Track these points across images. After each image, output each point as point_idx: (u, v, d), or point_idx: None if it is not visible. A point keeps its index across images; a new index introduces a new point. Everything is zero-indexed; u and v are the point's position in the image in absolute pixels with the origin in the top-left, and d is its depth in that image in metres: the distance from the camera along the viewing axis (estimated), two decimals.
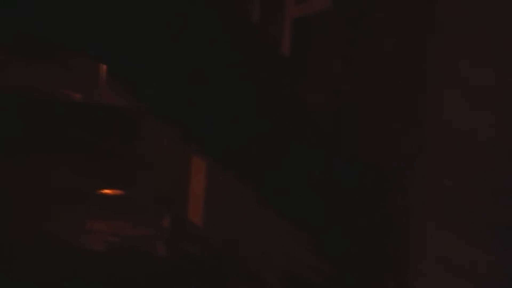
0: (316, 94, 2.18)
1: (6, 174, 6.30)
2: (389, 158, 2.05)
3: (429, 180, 1.89)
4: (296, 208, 1.79)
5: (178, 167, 5.62)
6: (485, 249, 1.67)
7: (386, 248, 1.90)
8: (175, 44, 1.62)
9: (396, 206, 1.90)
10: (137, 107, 7.60)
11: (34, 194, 6.19)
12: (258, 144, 1.71)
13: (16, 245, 4.66)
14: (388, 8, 2.14)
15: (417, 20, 1.96)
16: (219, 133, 1.70)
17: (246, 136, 1.70)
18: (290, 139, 1.73)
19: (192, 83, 1.66)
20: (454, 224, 1.76)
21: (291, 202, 1.76)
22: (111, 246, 5.17)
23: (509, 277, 1.55)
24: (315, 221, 1.84)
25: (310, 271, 2.59)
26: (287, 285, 2.95)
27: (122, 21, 1.56)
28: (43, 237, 5.05)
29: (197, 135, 1.81)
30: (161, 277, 4.38)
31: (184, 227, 5.39)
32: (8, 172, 6.35)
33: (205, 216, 4.80)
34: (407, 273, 1.89)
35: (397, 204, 1.91)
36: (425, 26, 1.93)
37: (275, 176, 1.72)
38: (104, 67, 8.80)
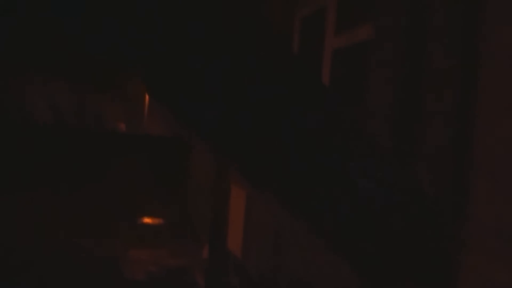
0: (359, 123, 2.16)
1: (50, 201, 6.48)
2: (438, 181, 2.00)
3: (478, 203, 1.83)
4: (339, 237, 1.75)
5: (217, 197, 5.64)
6: None
7: (433, 276, 1.84)
8: (217, 70, 1.64)
9: (445, 235, 1.85)
10: (177, 136, 7.74)
11: (78, 223, 6.33)
12: (298, 170, 1.69)
13: (58, 272, 4.75)
14: (431, 34, 2.13)
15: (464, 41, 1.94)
16: (260, 158, 1.70)
17: (287, 161, 1.69)
18: (333, 167, 1.70)
19: (232, 110, 1.67)
20: (503, 252, 1.69)
21: (334, 231, 1.72)
22: (152, 275, 5.20)
23: None
24: (359, 251, 1.80)
25: None
26: None
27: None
28: (85, 264, 5.13)
29: (239, 161, 1.81)
30: None
31: (223, 257, 5.37)
32: (51, 200, 6.54)
33: (244, 247, 4.77)
34: None
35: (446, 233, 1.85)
36: (473, 47, 1.90)
37: (322, 204, 1.69)
38: (148, 98, 9.04)
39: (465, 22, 1.92)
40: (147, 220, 7.11)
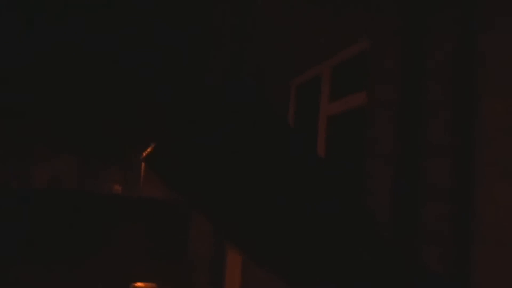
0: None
1: (46, 271, 6.35)
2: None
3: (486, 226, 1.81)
4: None
5: (213, 263, 5.54)
6: None
7: None
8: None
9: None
10: (173, 200, 7.70)
11: None
12: (296, 241, 1.69)
13: None
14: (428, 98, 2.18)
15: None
16: (255, 232, 1.70)
17: (281, 234, 1.69)
18: (331, 241, 1.70)
19: (228, 183, 1.68)
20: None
21: None
22: None
23: None
24: None
25: None
26: None
27: None
28: None
29: (235, 231, 1.81)
30: None
31: None
32: (47, 270, 6.40)
33: None
34: None
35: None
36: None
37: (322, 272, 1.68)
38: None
39: (462, 96, 1.98)
40: (140, 285, 6.93)
